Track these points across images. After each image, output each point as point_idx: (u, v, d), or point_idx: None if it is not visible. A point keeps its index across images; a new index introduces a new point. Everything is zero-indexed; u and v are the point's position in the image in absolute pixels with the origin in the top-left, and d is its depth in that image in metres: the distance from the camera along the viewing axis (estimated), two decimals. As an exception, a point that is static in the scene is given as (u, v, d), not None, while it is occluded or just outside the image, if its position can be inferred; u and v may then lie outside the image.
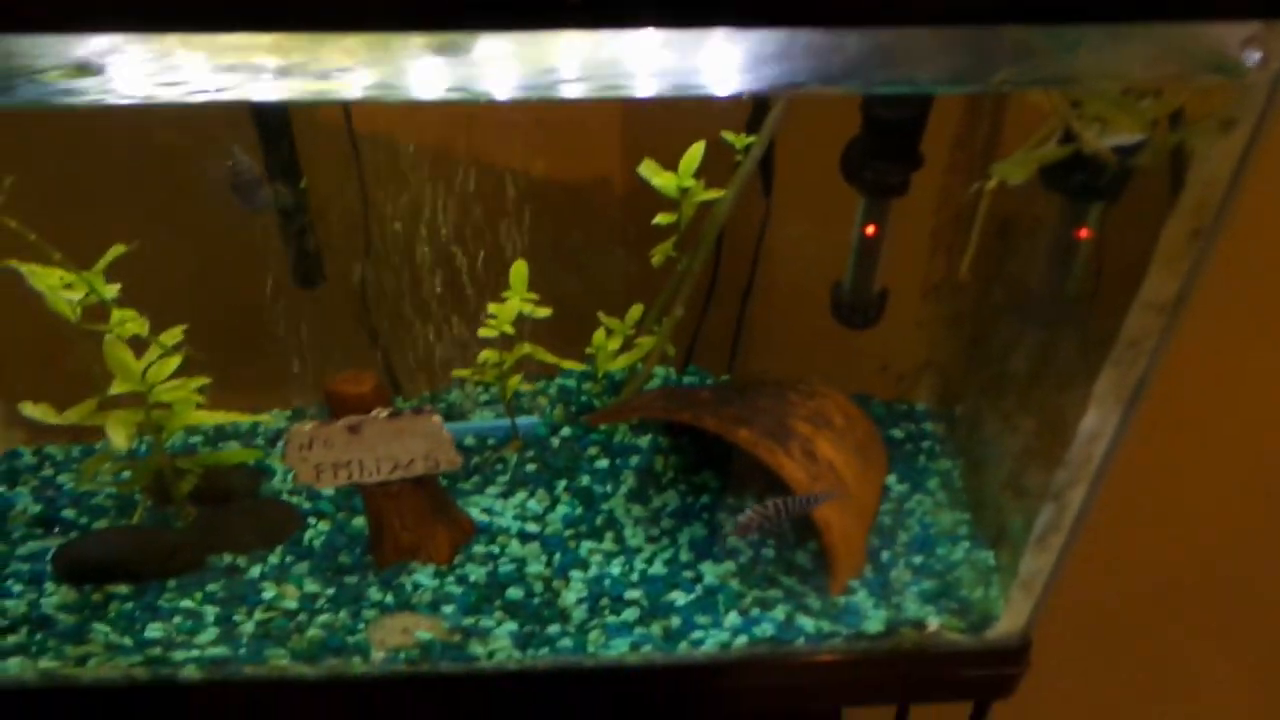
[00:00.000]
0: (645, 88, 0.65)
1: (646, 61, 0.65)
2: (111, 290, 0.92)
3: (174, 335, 0.98)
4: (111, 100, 0.64)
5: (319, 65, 0.62)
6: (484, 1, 0.54)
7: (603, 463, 1.18)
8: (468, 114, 1.14)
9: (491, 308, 1.07)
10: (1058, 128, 0.76)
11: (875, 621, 1.01)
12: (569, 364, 1.18)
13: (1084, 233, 0.95)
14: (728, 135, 1.05)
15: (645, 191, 1.19)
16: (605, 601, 1.03)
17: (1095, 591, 1.45)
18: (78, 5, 0.55)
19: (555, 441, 1.21)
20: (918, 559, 1.08)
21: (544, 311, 1.08)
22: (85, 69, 0.61)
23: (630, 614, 1.02)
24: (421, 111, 1.12)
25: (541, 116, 1.14)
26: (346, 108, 1.10)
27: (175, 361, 0.96)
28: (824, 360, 1.25)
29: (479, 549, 1.08)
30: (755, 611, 1.02)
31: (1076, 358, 0.89)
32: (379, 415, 0.95)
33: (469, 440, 1.21)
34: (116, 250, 0.89)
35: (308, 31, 0.56)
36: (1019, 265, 1.07)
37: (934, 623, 1.01)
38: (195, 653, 0.98)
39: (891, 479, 1.19)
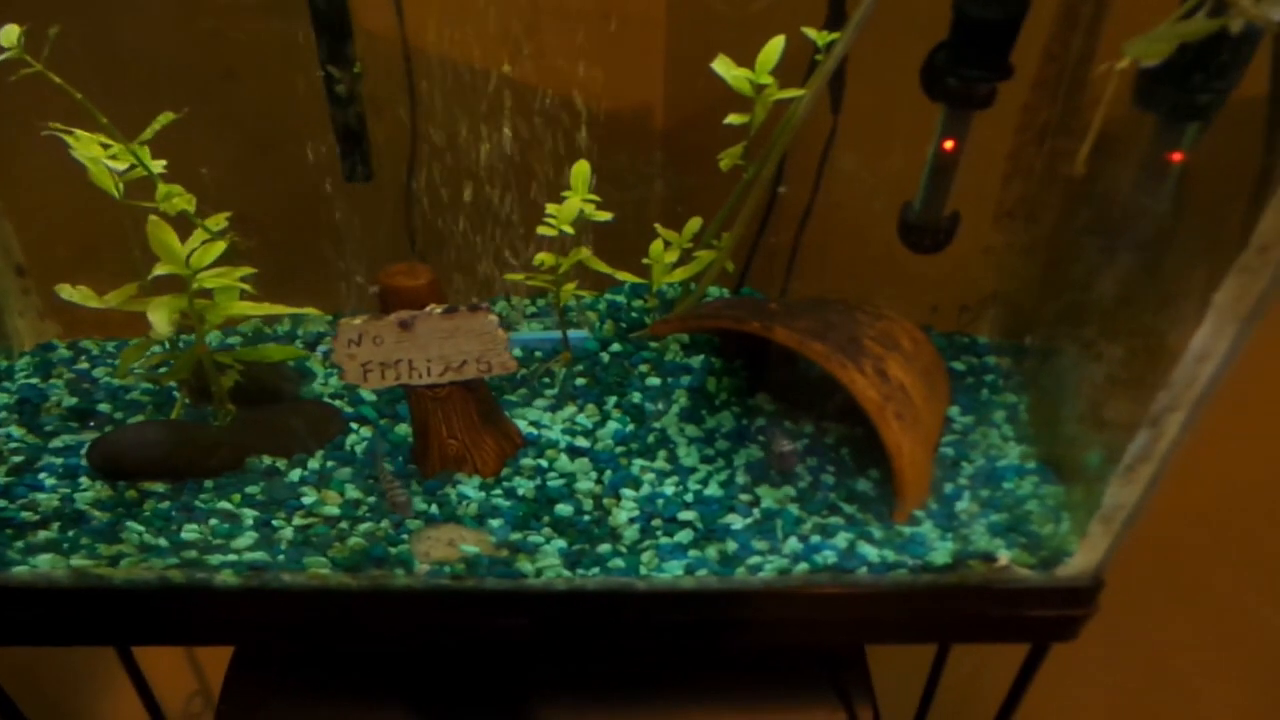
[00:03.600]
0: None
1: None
2: (157, 165, 0.86)
3: (218, 221, 0.93)
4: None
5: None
6: None
7: (654, 380, 1.13)
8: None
9: (550, 208, 1.01)
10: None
11: (942, 553, 0.96)
12: (624, 275, 1.12)
13: (1178, 156, 0.90)
14: (809, 31, 0.98)
15: (686, 124, 1.15)
16: (658, 522, 0.99)
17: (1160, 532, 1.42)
18: None
19: (605, 357, 1.16)
20: (984, 492, 1.04)
21: (604, 215, 1.03)
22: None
23: (685, 536, 0.98)
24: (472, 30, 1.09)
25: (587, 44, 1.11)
26: (399, 11, 1.04)
27: (220, 248, 0.91)
28: (882, 290, 1.20)
29: (527, 462, 1.03)
30: (816, 539, 0.98)
31: (1181, 275, 0.84)
32: (433, 311, 0.90)
33: (516, 352, 1.16)
34: (165, 118, 0.83)
35: None
36: (1104, 188, 1.01)
37: (1004, 557, 0.97)
38: (232, 557, 0.94)
39: (954, 410, 1.14)
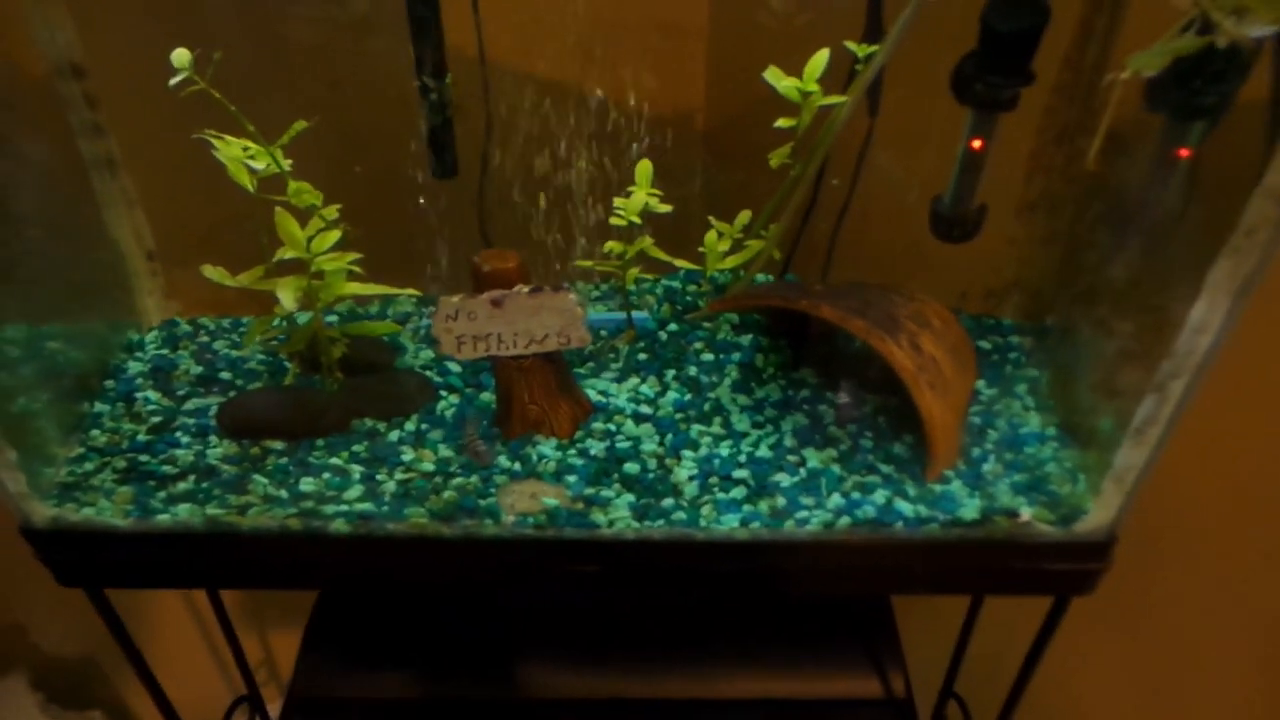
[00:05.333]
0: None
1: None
2: (288, 164, 0.99)
3: (331, 212, 1.06)
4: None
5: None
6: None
7: (708, 356, 1.25)
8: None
9: (618, 201, 1.14)
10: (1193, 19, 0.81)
11: (970, 509, 1.08)
12: (681, 262, 1.25)
13: (1184, 152, 1.00)
14: (850, 44, 1.10)
15: (726, 127, 1.27)
16: (715, 480, 1.11)
17: (1176, 496, 1.51)
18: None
19: (663, 335, 1.28)
20: (1008, 455, 1.15)
21: (665, 207, 1.15)
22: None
23: (739, 492, 1.10)
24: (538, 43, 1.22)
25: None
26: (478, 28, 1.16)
27: (335, 235, 1.04)
28: (914, 277, 1.31)
29: (597, 426, 1.16)
30: (856, 495, 1.09)
31: (1184, 258, 0.95)
32: (520, 290, 1.03)
33: (585, 331, 1.28)
34: (299, 125, 0.97)
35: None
36: (1119, 183, 1.12)
37: (1026, 513, 1.08)
38: (344, 507, 1.07)
39: (981, 384, 1.25)
